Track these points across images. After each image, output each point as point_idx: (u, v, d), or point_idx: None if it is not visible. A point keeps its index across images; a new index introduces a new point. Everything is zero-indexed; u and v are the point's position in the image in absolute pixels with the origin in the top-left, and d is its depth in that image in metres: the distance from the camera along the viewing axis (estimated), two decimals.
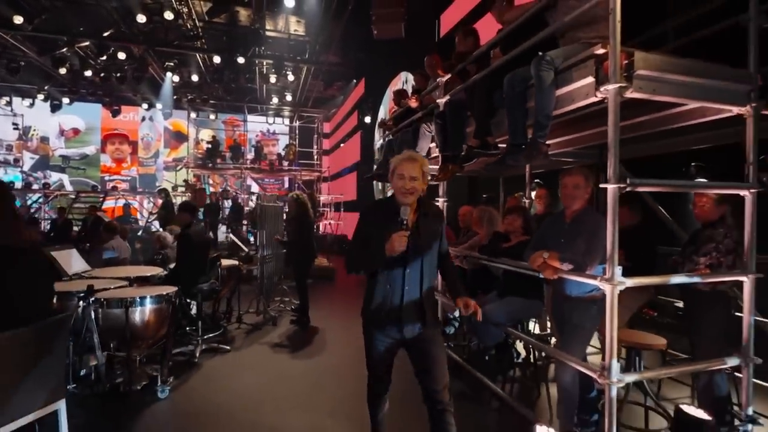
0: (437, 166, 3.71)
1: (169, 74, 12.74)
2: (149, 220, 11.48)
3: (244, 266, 5.78)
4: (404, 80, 10.20)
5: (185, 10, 9.79)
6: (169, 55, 11.93)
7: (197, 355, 4.02)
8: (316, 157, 18.29)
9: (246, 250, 6.90)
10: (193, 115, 17.07)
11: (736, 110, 2.28)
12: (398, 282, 1.93)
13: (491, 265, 3.49)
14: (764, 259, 2.91)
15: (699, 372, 2.65)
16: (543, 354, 3.81)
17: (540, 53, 2.34)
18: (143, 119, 17.66)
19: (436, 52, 4.41)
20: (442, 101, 3.72)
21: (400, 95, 5.44)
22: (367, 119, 12.61)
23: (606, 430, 2.02)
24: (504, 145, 2.94)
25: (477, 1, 7.33)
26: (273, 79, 12.79)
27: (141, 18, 9.25)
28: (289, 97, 15.52)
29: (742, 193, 2.32)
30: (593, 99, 2.09)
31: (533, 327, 4.30)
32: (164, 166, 18.01)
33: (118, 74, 11.94)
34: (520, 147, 2.52)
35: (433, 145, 4.22)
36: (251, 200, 15.24)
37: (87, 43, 10.68)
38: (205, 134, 17.57)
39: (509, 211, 3.58)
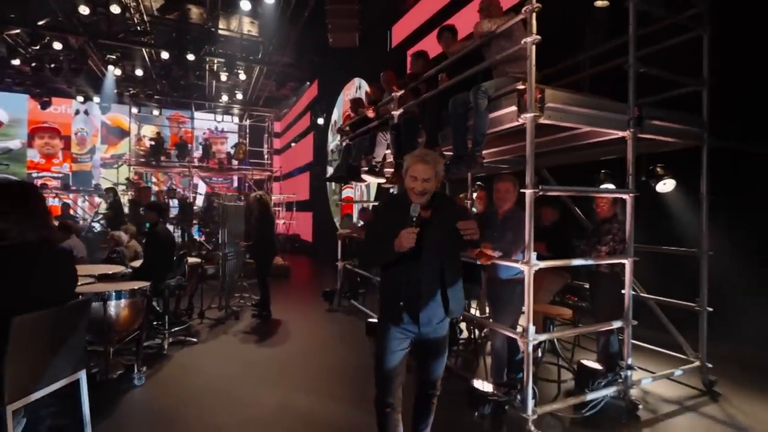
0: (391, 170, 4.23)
1: (111, 68, 12.22)
2: (95, 220, 10.96)
3: (205, 264, 5.94)
4: (358, 86, 10.66)
5: (133, 4, 9.55)
6: (111, 48, 11.46)
7: (166, 347, 4.21)
8: (266, 156, 18.19)
9: (209, 248, 7.00)
10: (134, 110, 16.32)
11: (620, 134, 3.01)
12: (414, 277, 1.92)
13: None
14: (645, 248, 3.75)
15: (599, 335, 3.39)
16: (483, 333, 4.46)
17: (478, 84, 2.91)
18: (77, 113, 16.60)
19: (390, 68, 4.91)
20: (396, 113, 4.23)
21: (356, 104, 5.88)
22: (320, 121, 12.91)
23: (525, 379, 2.63)
24: (450, 154, 3.51)
25: (425, 18, 7.99)
26: (224, 77, 12.70)
27: (84, 10, 8.90)
28: (239, 96, 15.39)
29: (624, 196, 3.05)
30: (516, 123, 2.69)
31: (474, 310, 4.96)
32: (101, 163, 17.04)
33: (53, 65, 11.27)
34: (461, 158, 3.09)
35: (389, 151, 4.72)
36: (198, 199, 14.94)
37: (17, 31, 10.03)
38: (148, 130, 16.87)
39: None
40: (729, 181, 3.83)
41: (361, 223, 7.89)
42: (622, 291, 3.16)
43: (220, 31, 10.85)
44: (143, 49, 11.61)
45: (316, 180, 13.80)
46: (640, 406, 2.97)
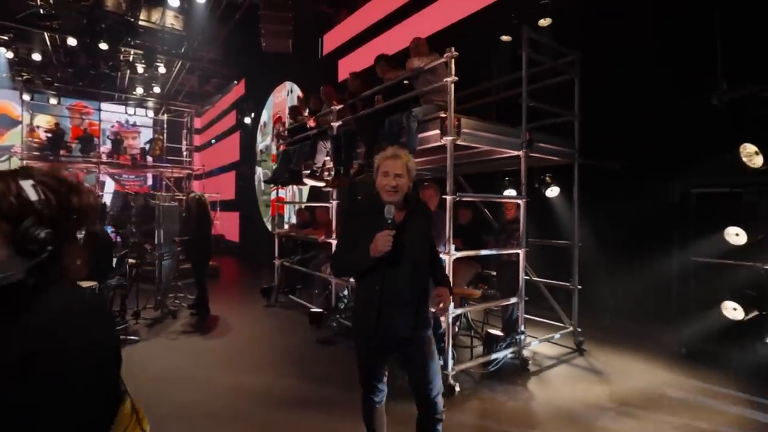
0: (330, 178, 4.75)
1: (1, 49, 10.92)
2: None
3: (139, 264, 5.88)
4: (289, 89, 10.89)
5: None
6: (3, 29, 10.27)
7: None
8: (186, 153, 17.37)
9: (148, 248, 6.82)
10: (26, 97, 14.55)
11: (515, 153, 3.89)
12: (388, 283, 1.83)
13: None
14: (536, 242, 4.75)
15: (503, 310, 4.27)
16: None
17: (410, 109, 3.58)
18: None
19: (327, 81, 5.42)
20: (335, 125, 4.76)
21: (295, 111, 6.27)
22: (248, 120, 12.83)
23: (446, 346, 3.35)
24: None
25: (356, 31, 8.57)
26: (141, 69, 12.03)
27: None
28: (157, 89, 14.58)
29: (518, 201, 3.94)
30: (439, 143, 3.40)
31: None
32: None
33: None
34: None
35: (328, 158, 5.22)
36: (105, 198, 13.85)
37: None
38: (43, 120, 15.15)
39: None
40: (594, 189, 4.98)
41: (294, 222, 8.22)
42: (518, 274, 4.05)
43: (140, 22, 10.33)
44: (45, 33, 10.58)
45: (243, 179, 13.65)
46: (530, 362, 3.88)
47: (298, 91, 10.26)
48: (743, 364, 3.60)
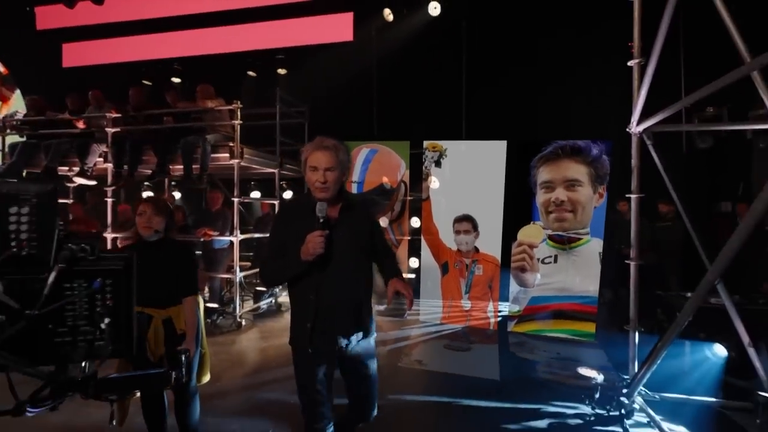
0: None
1: None
2: None
3: None
4: None
5: None
6: None
7: None
8: None
9: None
10: None
11: (272, 171, 5.93)
12: (324, 289, 1.66)
13: None
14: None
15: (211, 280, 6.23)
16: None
17: (204, 133, 4.99)
18: None
19: (97, 89, 5.73)
20: (111, 130, 5.36)
21: (38, 104, 5.96)
22: None
23: (235, 297, 5.04)
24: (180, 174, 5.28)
25: (91, 21, 8.24)
26: None
27: None
28: None
29: (273, 201, 6.02)
30: (229, 163, 5.02)
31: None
32: None
33: None
34: (190, 177, 5.03)
35: (100, 159, 5.59)
36: None
37: None
38: None
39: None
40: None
41: None
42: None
43: None
44: None
45: None
46: (282, 307, 6.03)
47: (0, 68, 8.54)
48: None
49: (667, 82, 3.43)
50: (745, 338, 2.51)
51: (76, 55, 8.68)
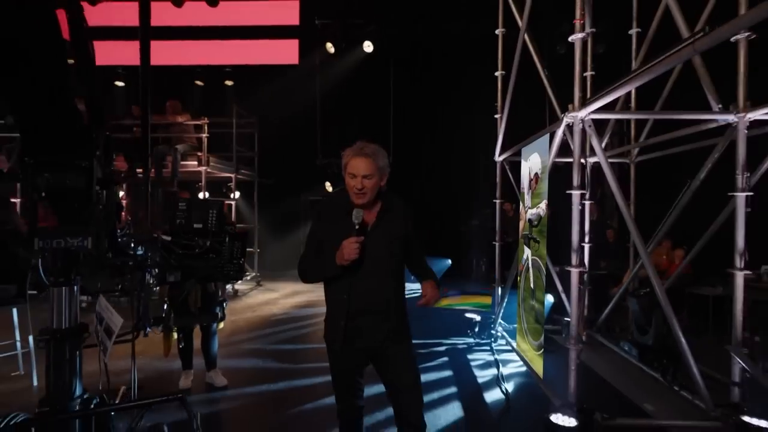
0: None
1: None
2: None
3: None
4: None
5: None
6: None
7: None
8: None
9: None
10: None
11: (231, 175, 6.88)
12: (356, 292, 1.70)
13: None
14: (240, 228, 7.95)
15: None
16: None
17: (174, 144, 5.84)
18: None
19: None
20: None
21: None
22: None
23: None
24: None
25: None
26: None
27: None
28: None
29: (230, 202, 6.98)
30: (198, 170, 5.93)
31: None
32: None
33: None
34: (161, 180, 5.85)
35: None
36: None
37: None
38: None
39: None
40: (264, 197, 8.52)
41: None
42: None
43: None
44: None
45: None
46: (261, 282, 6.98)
47: None
48: None
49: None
50: (560, 288, 4.25)
51: None
